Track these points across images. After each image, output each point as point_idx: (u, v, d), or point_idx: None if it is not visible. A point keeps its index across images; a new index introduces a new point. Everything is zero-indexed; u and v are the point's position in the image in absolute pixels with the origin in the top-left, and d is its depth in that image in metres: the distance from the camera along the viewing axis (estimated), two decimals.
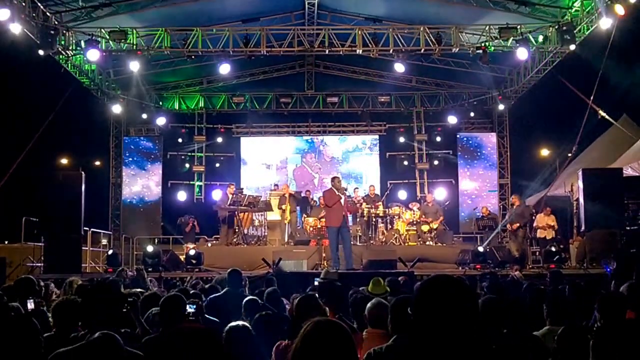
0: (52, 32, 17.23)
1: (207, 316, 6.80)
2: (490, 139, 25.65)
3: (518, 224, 18.74)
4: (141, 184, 24.95)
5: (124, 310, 5.56)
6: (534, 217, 19.25)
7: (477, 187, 25.27)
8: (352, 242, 19.37)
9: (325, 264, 16.53)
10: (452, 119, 25.23)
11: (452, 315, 2.47)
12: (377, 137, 26.72)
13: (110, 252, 18.49)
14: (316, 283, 10.15)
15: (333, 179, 16.36)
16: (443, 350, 2.46)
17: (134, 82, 21.56)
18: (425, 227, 20.29)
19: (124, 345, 3.84)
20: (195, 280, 12.20)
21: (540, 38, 19.08)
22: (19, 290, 7.80)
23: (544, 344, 5.34)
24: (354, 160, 26.79)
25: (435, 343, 2.48)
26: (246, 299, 7.15)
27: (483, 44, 18.53)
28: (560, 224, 19.26)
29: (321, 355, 2.65)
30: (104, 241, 22.71)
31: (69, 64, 19.83)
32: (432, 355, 2.50)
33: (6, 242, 21.58)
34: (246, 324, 5.32)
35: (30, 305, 6.79)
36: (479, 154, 25.55)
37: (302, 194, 22.34)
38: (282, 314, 6.49)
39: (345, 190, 16.45)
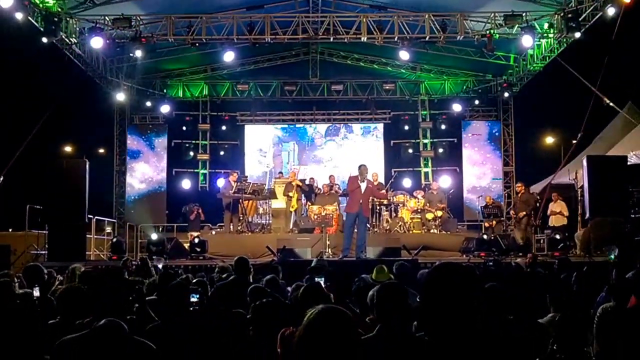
0: (56, 19, 17.21)
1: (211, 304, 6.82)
2: (494, 127, 25.60)
3: (524, 212, 18.74)
4: (145, 172, 24.99)
5: (130, 297, 5.58)
6: (538, 205, 19.24)
7: (482, 175, 25.25)
8: (356, 230, 19.50)
9: (330, 251, 16.52)
10: (456, 107, 25.21)
11: (458, 302, 2.46)
12: (381, 125, 26.73)
13: (114, 239, 18.51)
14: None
15: (360, 166, 16.31)
16: (449, 337, 2.45)
17: (138, 70, 21.53)
18: (429, 215, 20.28)
19: (128, 332, 3.84)
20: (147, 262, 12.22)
21: (546, 25, 19.01)
22: (26, 278, 7.83)
23: (549, 332, 5.34)
24: (353, 146, 26.86)
25: (442, 330, 2.47)
26: (251, 286, 7.16)
27: (488, 32, 18.48)
28: None
29: (325, 342, 2.65)
30: (108, 229, 22.73)
31: (73, 52, 19.79)
32: (438, 343, 2.49)
33: (10, 230, 21.61)
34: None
35: (37, 292, 6.81)
36: (483, 141, 25.52)
37: (307, 182, 22.32)
38: (279, 301, 6.48)
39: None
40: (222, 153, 26.10)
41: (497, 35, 18.73)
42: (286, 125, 27.01)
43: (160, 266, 6.81)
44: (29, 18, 16.59)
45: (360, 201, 15.50)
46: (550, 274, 10.35)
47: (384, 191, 20.16)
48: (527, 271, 11.44)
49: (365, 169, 15.87)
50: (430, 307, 2.51)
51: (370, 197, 16.54)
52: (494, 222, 20.66)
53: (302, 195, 21.06)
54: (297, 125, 26.98)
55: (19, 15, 15.93)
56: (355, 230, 15.83)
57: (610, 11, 16.61)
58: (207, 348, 5.15)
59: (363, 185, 15.52)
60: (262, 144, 26.84)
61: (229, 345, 5.18)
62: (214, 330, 5.16)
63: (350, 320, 2.79)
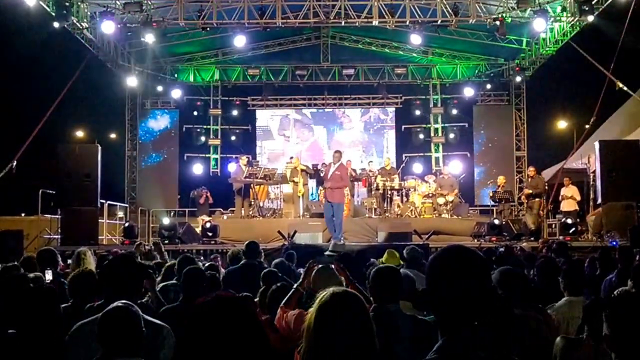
0: (67, 3, 17.18)
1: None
2: (506, 111, 25.51)
3: (530, 192, 18.73)
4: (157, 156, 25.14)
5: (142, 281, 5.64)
6: (546, 188, 19.26)
7: (493, 160, 25.18)
8: (367, 215, 19.58)
9: (340, 236, 16.54)
10: (468, 91, 25.13)
11: (464, 284, 2.45)
12: (392, 109, 26.72)
13: (126, 224, 18.59)
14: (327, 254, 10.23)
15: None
16: (454, 319, 2.45)
17: (149, 54, 21.52)
18: (441, 200, 20.24)
19: (141, 314, 3.86)
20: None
21: (558, 9, 18.88)
22: (39, 261, 7.88)
23: (550, 317, 5.33)
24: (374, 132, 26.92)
25: (448, 312, 2.46)
26: (264, 270, 7.18)
27: (500, 15, 18.37)
28: None
29: (337, 324, 2.66)
30: (121, 213, 22.80)
31: (84, 36, 19.78)
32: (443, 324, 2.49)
33: (23, 215, 21.72)
34: None
35: (49, 276, 6.85)
36: (495, 126, 25.44)
37: (318, 166, 22.29)
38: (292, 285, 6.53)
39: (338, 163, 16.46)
40: (233, 138, 26.15)
41: (510, 19, 18.61)
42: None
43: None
44: (41, 2, 16.61)
45: (328, 187, 15.69)
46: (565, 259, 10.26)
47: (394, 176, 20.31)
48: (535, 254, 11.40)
49: (336, 155, 16.03)
50: (436, 288, 2.51)
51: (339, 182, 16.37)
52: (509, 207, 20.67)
53: (308, 179, 21.07)
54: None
55: (30, 0, 15.94)
56: None
57: None
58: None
59: (330, 172, 15.64)
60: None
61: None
62: (233, 313, 5.19)
63: (362, 303, 2.81)
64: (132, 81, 22.97)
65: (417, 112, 26.13)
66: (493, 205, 21.53)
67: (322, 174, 16.18)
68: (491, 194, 20.90)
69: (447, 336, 2.45)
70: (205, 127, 26.15)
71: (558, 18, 19.20)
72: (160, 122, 25.45)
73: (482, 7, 18.85)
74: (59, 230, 16.94)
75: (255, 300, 5.89)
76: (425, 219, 19.36)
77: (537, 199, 18.84)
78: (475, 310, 2.43)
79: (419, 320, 4.68)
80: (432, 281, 2.56)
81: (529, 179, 19.46)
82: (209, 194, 22.44)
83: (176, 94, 24.68)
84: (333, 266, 5.49)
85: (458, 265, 2.49)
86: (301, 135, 27.06)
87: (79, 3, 18.11)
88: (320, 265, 5.41)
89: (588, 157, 20.61)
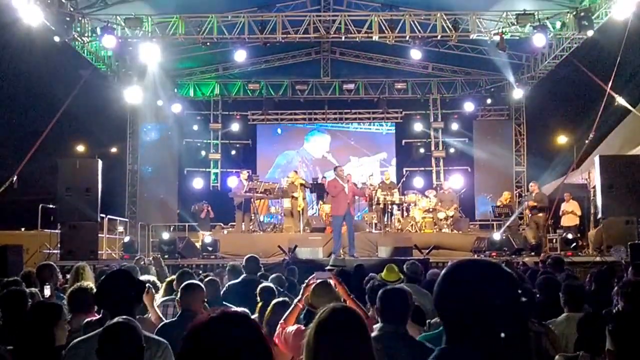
0: (68, 18, 17.23)
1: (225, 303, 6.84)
2: (506, 126, 25.51)
3: (535, 204, 18.75)
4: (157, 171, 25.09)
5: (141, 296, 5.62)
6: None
7: (493, 175, 25.13)
8: (367, 230, 19.54)
9: (341, 251, 16.54)
10: (468, 106, 25.18)
11: (488, 304, 2.22)
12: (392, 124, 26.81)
13: (126, 239, 18.57)
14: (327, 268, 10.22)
15: (335, 168, 16.77)
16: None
17: (149, 69, 21.54)
18: (441, 215, 20.25)
19: (141, 330, 3.85)
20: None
21: (558, 24, 18.91)
22: (38, 276, 7.86)
23: (552, 331, 5.32)
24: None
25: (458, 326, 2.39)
26: (260, 286, 7.16)
27: (500, 31, 18.40)
28: None
29: (336, 340, 2.65)
30: (120, 228, 22.76)
31: (85, 51, 19.83)
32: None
33: (23, 229, 21.71)
34: None
35: (47, 291, 6.83)
36: (495, 141, 25.42)
37: (319, 181, 22.29)
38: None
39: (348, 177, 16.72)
40: (233, 152, 26.19)
41: (509, 34, 18.63)
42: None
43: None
44: (42, 17, 16.61)
45: (348, 202, 15.92)
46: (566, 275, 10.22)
47: (394, 190, 20.35)
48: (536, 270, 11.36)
49: (342, 170, 16.49)
50: (448, 312, 2.36)
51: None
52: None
53: (307, 193, 21.09)
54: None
55: (32, 15, 15.96)
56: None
57: (621, 13, 16.53)
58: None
59: (346, 186, 15.90)
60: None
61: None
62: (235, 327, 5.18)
63: (361, 319, 2.80)
64: (132, 95, 22.96)
65: (418, 127, 26.19)
66: (493, 220, 21.52)
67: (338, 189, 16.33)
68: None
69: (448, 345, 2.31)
70: (205, 141, 26.23)
71: (558, 33, 19.23)
72: (160, 136, 25.39)
73: (482, 23, 18.89)
74: (59, 245, 16.91)
75: (254, 316, 5.87)
76: (425, 234, 19.37)
77: (541, 214, 18.88)
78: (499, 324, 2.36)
79: (424, 347, 4.53)
80: (439, 302, 2.43)
81: (534, 194, 19.46)
82: (209, 209, 22.45)
83: (176, 108, 24.67)
84: (331, 281, 5.48)
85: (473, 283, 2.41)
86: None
87: (80, 18, 18.16)
88: (318, 281, 5.40)
89: (588, 173, 20.61)
